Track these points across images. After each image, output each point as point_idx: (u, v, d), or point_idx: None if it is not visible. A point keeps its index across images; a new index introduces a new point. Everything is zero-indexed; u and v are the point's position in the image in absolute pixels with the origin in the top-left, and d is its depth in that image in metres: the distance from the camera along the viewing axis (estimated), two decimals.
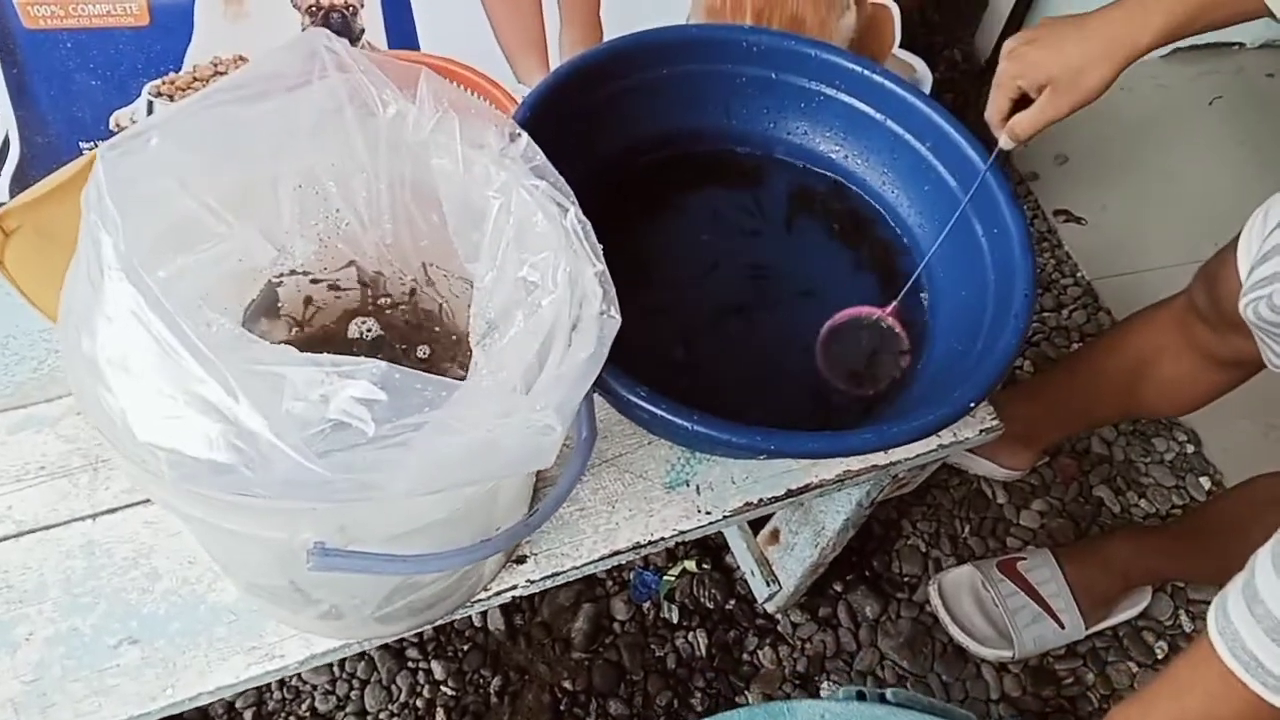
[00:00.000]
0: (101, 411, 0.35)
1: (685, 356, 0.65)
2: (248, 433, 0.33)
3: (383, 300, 0.58)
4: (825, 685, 0.98)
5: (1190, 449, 1.19)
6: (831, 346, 0.66)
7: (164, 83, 0.94)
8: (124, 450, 0.35)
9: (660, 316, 0.66)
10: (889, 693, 0.58)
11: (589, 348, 0.41)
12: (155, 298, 0.34)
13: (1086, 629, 1.01)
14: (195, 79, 0.94)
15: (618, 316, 0.43)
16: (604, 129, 0.69)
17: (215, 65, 0.94)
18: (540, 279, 0.44)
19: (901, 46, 1.06)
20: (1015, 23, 1.48)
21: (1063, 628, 1.00)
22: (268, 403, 0.34)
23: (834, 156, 0.75)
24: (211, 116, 0.42)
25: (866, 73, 0.70)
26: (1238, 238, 0.77)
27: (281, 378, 0.35)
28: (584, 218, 0.46)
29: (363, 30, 0.94)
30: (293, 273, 0.52)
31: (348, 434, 0.35)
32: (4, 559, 0.56)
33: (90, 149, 0.95)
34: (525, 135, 0.49)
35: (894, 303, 0.67)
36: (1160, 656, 1.03)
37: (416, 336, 0.57)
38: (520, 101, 0.62)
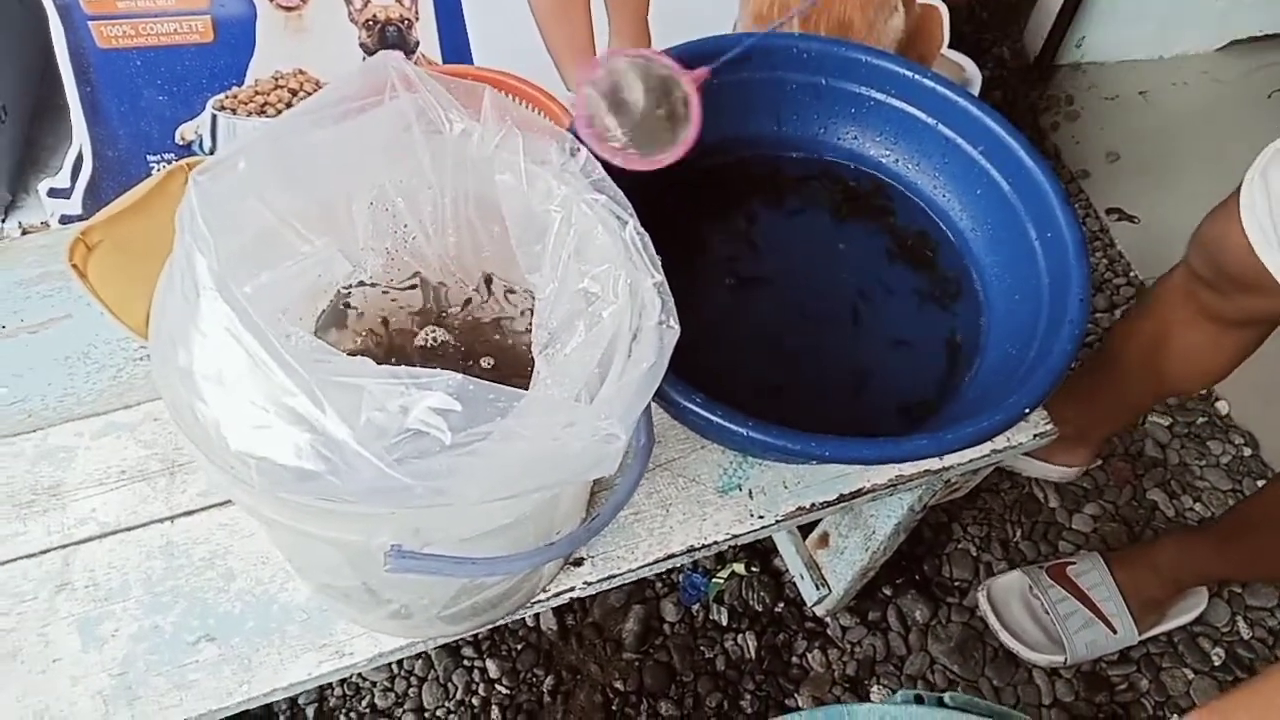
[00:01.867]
0: (195, 422, 0.37)
1: (738, 363, 0.66)
2: (333, 441, 0.35)
3: (447, 310, 0.60)
4: (875, 689, 0.98)
5: (1247, 451, 1.17)
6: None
7: (227, 97, 0.97)
8: (216, 459, 0.37)
9: (713, 323, 0.67)
10: (947, 696, 0.58)
11: (649, 357, 0.42)
12: (248, 315, 0.36)
13: (1140, 634, 1.00)
14: (257, 92, 0.98)
15: (677, 326, 0.44)
16: None
17: (276, 79, 0.97)
18: (601, 290, 0.46)
19: (950, 46, 1.06)
20: (1065, 19, 1.47)
21: (1115, 633, 0.99)
22: (351, 413, 0.36)
23: (885, 161, 0.75)
24: (292, 140, 0.44)
25: (917, 77, 0.71)
26: (1235, 200, 0.77)
27: (362, 389, 0.37)
28: (642, 230, 0.47)
29: (418, 43, 0.96)
30: (361, 284, 0.54)
31: (424, 442, 0.37)
32: (90, 559, 0.59)
33: (157, 162, 0.99)
34: (584, 150, 0.50)
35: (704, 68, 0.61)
36: (1217, 663, 1.02)
37: (480, 347, 0.59)
38: (575, 113, 0.64)
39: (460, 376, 0.36)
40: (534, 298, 0.52)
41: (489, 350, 0.60)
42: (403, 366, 0.37)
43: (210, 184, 0.39)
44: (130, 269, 0.62)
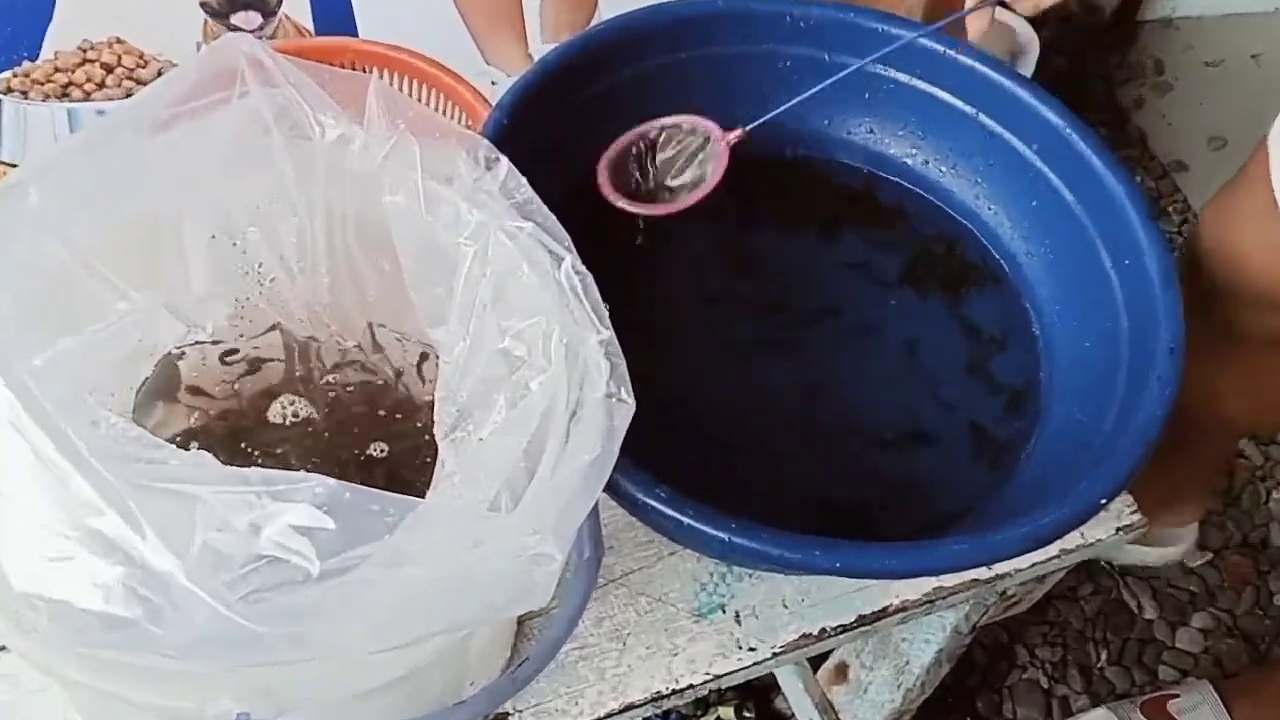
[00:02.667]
0: None
1: (713, 431, 0.67)
2: (155, 575, 0.35)
3: (315, 374, 0.60)
4: None
5: None
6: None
7: (16, 75, 0.97)
8: None
9: (678, 379, 0.68)
10: None
11: (594, 444, 0.43)
12: (34, 400, 0.36)
13: None
14: (57, 69, 0.98)
15: (630, 399, 0.45)
16: (605, 133, 0.71)
17: (84, 51, 0.98)
18: (527, 352, 0.47)
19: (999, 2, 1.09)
20: None
21: None
22: (180, 535, 0.36)
23: (909, 162, 0.77)
24: (105, 156, 0.44)
25: (950, 53, 0.73)
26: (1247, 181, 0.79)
27: (195, 501, 0.37)
28: (582, 268, 0.48)
29: (279, 3, 0.97)
30: (198, 343, 0.55)
31: (282, 572, 0.37)
32: None
33: None
34: (505, 161, 0.51)
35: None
36: None
37: (361, 424, 0.59)
38: (494, 103, 0.65)
39: (333, 482, 0.37)
40: (437, 359, 0.53)
41: (373, 429, 0.60)
42: (254, 468, 0.38)
43: None
44: None
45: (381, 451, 0.59)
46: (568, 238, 0.49)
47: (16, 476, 0.36)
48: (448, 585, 0.38)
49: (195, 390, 0.58)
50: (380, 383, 0.61)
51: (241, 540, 0.37)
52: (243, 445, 0.57)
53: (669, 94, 0.73)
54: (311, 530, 0.37)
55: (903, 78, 0.75)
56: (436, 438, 0.49)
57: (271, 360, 0.59)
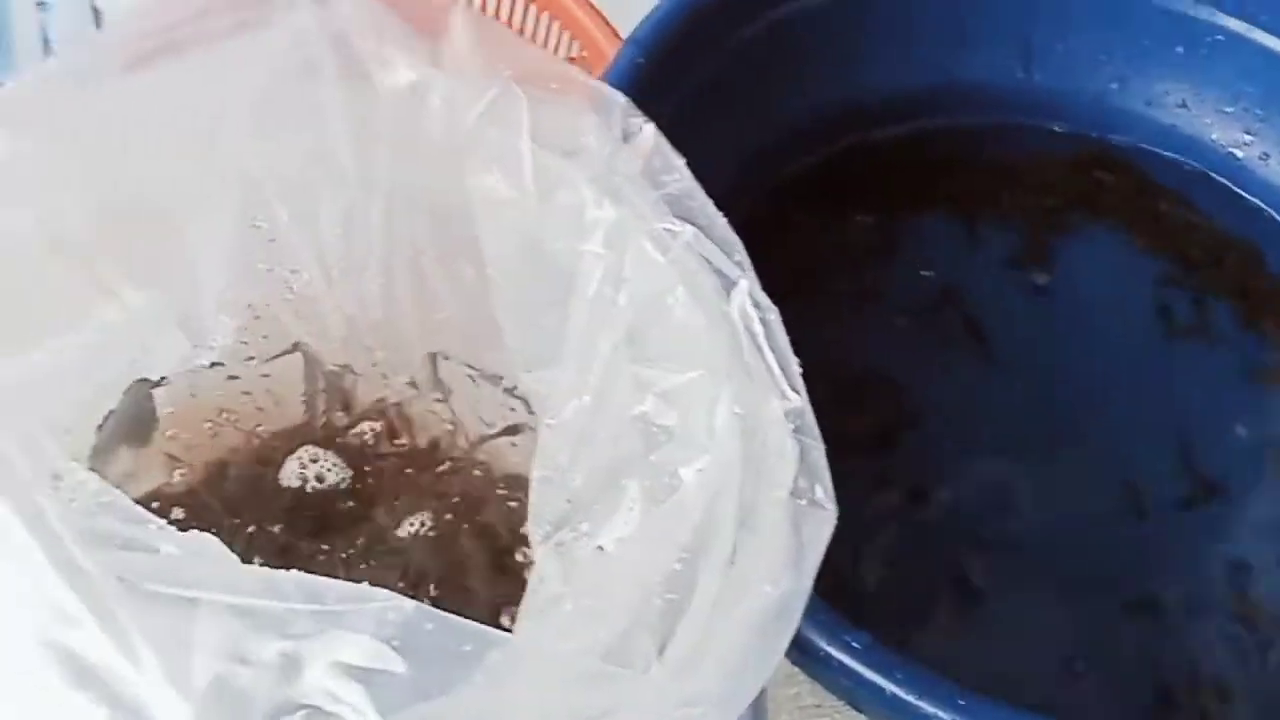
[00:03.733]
0: None
1: (933, 578, 0.67)
2: None
3: (344, 414, 0.62)
4: None
5: None
6: None
7: None
8: None
9: (888, 469, 0.68)
10: None
11: (776, 570, 0.42)
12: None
13: None
14: None
15: (831, 504, 0.44)
16: (787, 82, 0.72)
17: None
18: (679, 422, 0.46)
19: None
20: None
21: None
22: (183, 665, 0.36)
23: (1239, 154, 0.77)
24: (94, 97, 0.46)
25: None
26: None
27: (201, 613, 0.38)
28: (765, 299, 0.47)
29: None
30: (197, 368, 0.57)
31: None
32: None
33: None
34: (653, 129, 0.51)
35: None
36: None
37: (409, 496, 0.60)
38: (626, 36, 0.66)
39: (410, 605, 0.37)
40: (533, 413, 0.54)
41: (420, 507, 0.60)
42: (289, 572, 0.38)
43: None
44: None
45: (430, 528, 0.59)
46: (743, 251, 0.48)
47: None
48: None
49: (174, 431, 0.59)
50: (437, 442, 0.62)
51: (269, 679, 0.37)
52: (238, 520, 0.58)
53: (881, 31, 0.73)
54: (371, 674, 0.37)
55: (1236, 26, 0.74)
56: (530, 537, 0.50)
57: (287, 393, 0.60)
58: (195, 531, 0.40)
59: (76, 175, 0.47)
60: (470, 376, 0.60)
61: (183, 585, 0.37)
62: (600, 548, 0.47)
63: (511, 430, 0.60)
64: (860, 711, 0.64)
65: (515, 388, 0.58)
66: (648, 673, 0.41)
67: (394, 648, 0.37)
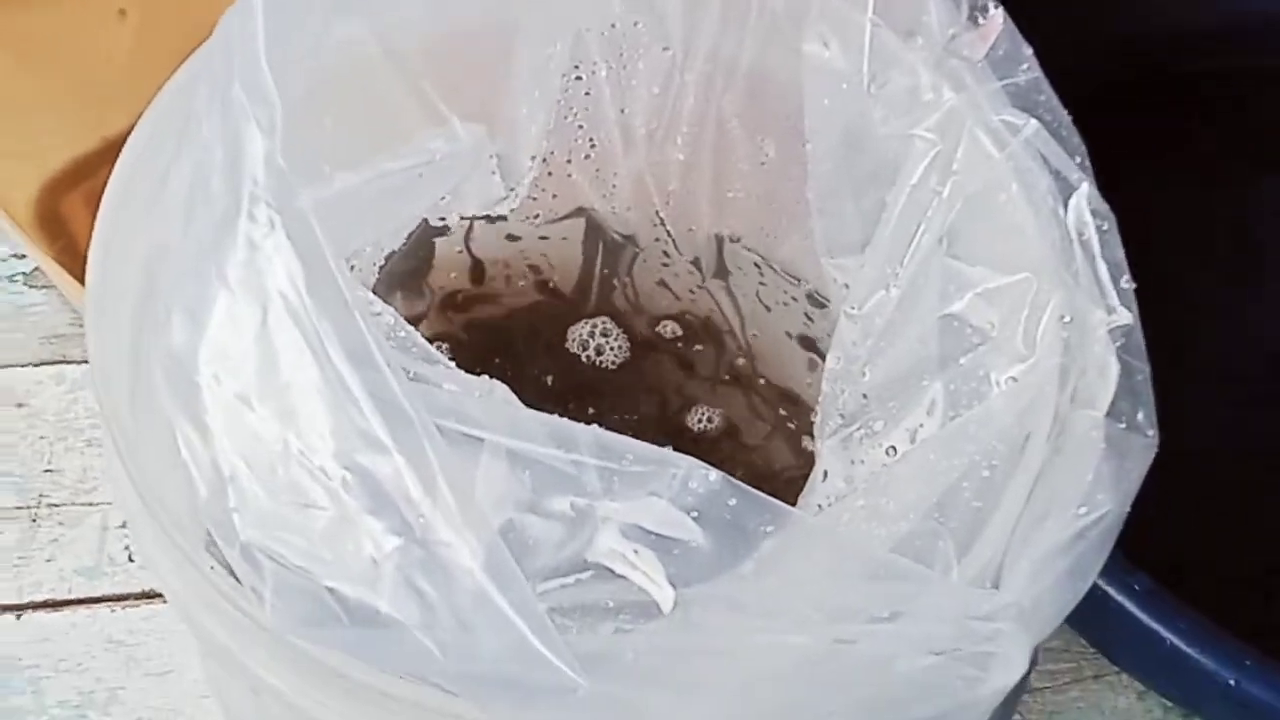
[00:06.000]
0: (164, 466, 0.38)
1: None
2: (441, 562, 0.35)
3: (623, 289, 0.61)
4: None
5: None
6: None
7: None
8: (191, 549, 0.38)
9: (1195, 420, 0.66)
10: None
11: (1090, 492, 0.41)
12: (318, 254, 0.36)
13: None
14: None
15: (1154, 431, 0.43)
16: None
17: None
18: (996, 326, 0.45)
19: None
20: None
21: None
22: (478, 507, 0.35)
23: None
24: None
25: None
26: None
27: (501, 459, 0.36)
28: (1105, 208, 0.45)
29: None
30: (481, 218, 0.56)
31: (609, 595, 0.36)
32: None
33: None
34: (1001, 13, 0.49)
35: None
36: None
37: (677, 381, 0.60)
38: None
39: (717, 474, 0.36)
40: (831, 306, 0.53)
41: (690, 394, 0.61)
42: (589, 426, 0.37)
43: None
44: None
45: (707, 424, 0.58)
46: (1086, 154, 0.46)
47: (266, 361, 0.37)
48: (833, 669, 0.37)
49: (448, 280, 0.59)
50: (713, 325, 0.61)
51: (559, 532, 0.36)
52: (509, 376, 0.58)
53: None
54: (668, 541, 0.36)
55: None
56: (816, 433, 0.48)
57: (564, 261, 0.60)
58: (486, 376, 0.39)
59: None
60: (756, 263, 0.59)
61: (478, 426, 0.37)
62: (893, 449, 0.46)
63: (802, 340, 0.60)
64: (1114, 663, 0.63)
65: (810, 278, 0.56)
66: (948, 575, 0.40)
67: (694, 518, 0.37)
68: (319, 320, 0.36)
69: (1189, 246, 0.72)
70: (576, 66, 0.52)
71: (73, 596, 0.64)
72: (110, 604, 0.64)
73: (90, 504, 0.66)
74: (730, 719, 0.38)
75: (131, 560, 0.65)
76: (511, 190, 0.53)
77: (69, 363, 0.70)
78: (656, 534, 0.37)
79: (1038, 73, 0.48)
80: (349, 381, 0.36)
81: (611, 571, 0.36)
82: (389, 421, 0.36)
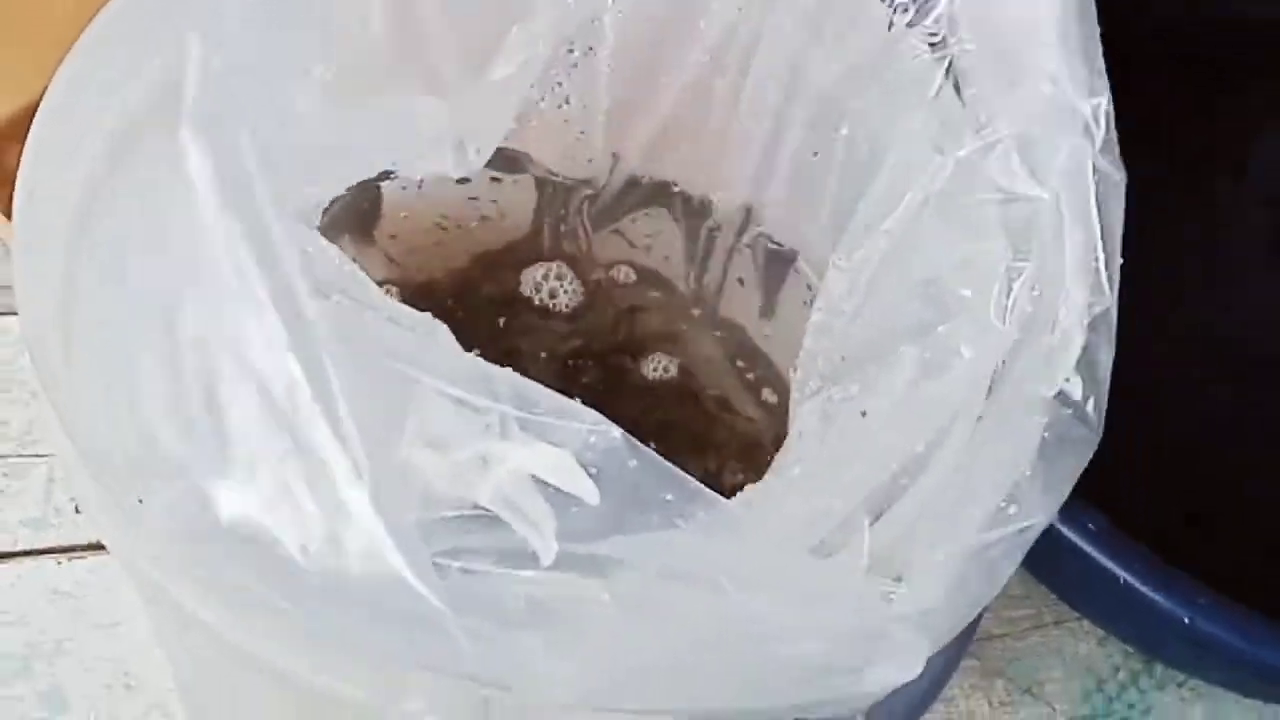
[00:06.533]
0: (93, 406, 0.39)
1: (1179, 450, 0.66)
2: (328, 487, 0.35)
3: (573, 232, 0.61)
4: None
5: None
6: None
7: None
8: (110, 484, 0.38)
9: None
10: None
11: (1019, 496, 0.41)
12: (244, 174, 0.36)
13: None
14: None
15: (1098, 429, 0.42)
16: None
17: None
18: (973, 294, 0.44)
19: None
20: None
21: None
22: (377, 438, 0.35)
23: None
24: None
25: None
26: None
27: (413, 391, 0.36)
28: (1113, 170, 0.44)
29: None
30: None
31: (494, 541, 0.36)
32: None
33: None
34: None
35: None
36: None
37: (634, 331, 0.60)
38: None
39: (619, 434, 0.36)
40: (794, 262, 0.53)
41: (644, 343, 0.60)
42: (505, 369, 0.37)
43: None
44: None
45: (663, 373, 0.58)
46: (1107, 83, 0.45)
47: (181, 270, 0.37)
48: (712, 637, 0.37)
49: (397, 227, 0.59)
50: (667, 271, 0.61)
51: (453, 473, 0.36)
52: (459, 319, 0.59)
53: None
54: (561, 496, 0.36)
55: None
56: (794, 392, 0.49)
57: (516, 199, 0.60)
58: (429, 315, 0.40)
59: None
60: (703, 204, 0.59)
61: (400, 360, 0.37)
62: (864, 414, 0.46)
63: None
64: (1074, 606, 0.63)
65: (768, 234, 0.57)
66: (856, 560, 0.41)
67: (591, 475, 0.36)
68: (238, 240, 0.36)
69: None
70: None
71: (19, 549, 0.65)
72: (56, 555, 0.65)
73: (37, 455, 0.68)
74: (601, 672, 0.37)
75: (78, 512, 0.66)
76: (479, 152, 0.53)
77: (13, 314, 0.70)
78: (552, 487, 0.36)
79: None
80: (258, 291, 0.36)
81: (498, 519, 0.36)
82: (292, 332, 0.36)
